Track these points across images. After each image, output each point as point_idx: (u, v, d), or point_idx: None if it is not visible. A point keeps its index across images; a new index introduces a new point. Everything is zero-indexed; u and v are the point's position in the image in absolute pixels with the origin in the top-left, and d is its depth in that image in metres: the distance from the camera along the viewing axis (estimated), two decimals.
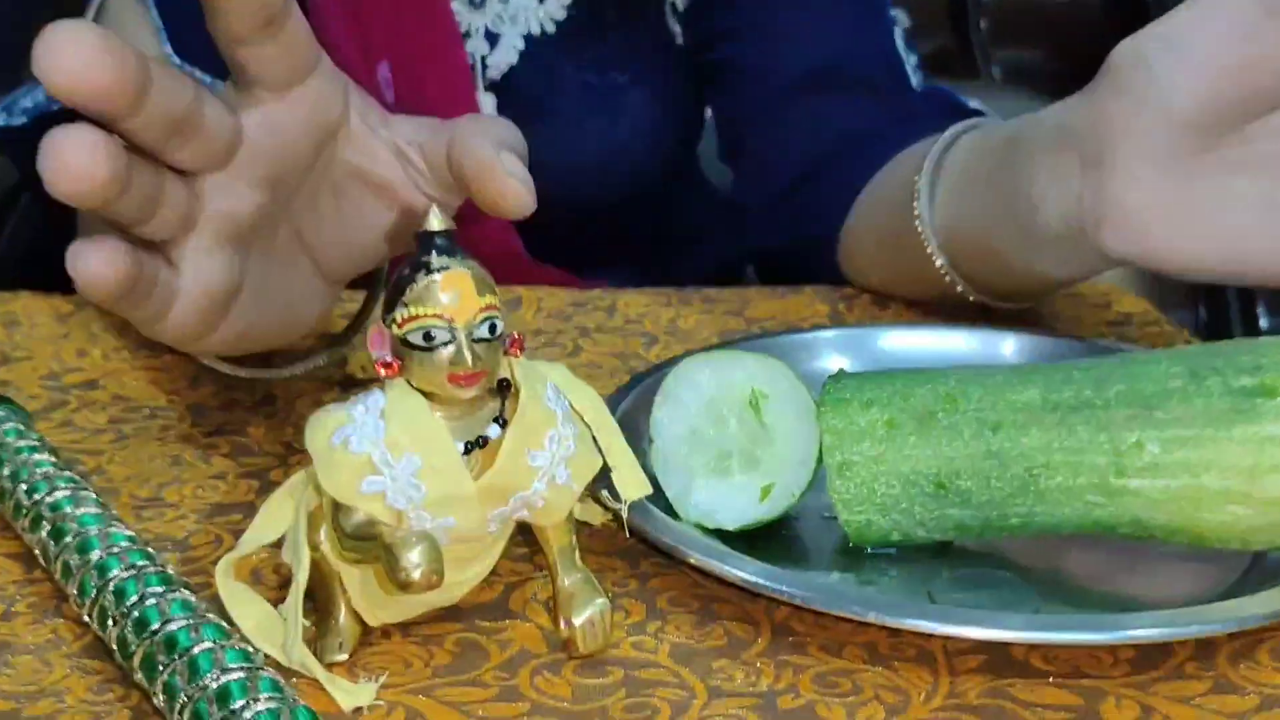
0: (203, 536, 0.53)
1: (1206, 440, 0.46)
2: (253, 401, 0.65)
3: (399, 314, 0.41)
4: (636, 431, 0.54)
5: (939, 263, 0.71)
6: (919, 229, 0.72)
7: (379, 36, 0.90)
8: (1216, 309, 1.23)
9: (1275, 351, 0.47)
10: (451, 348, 0.41)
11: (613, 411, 0.56)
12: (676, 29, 0.97)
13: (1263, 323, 1.20)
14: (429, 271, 0.41)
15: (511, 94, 0.93)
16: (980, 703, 0.43)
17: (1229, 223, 0.55)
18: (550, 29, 0.93)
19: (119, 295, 0.44)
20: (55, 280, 0.56)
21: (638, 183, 0.98)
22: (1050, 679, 0.44)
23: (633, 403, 0.57)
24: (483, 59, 0.93)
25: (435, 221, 0.42)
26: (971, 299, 0.73)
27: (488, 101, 0.93)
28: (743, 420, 0.52)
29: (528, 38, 0.93)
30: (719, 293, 0.82)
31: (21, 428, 0.55)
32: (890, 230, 0.77)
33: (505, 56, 0.93)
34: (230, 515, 0.55)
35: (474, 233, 0.94)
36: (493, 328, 0.41)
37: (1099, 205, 0.58)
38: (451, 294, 0.41)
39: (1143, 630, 0.44)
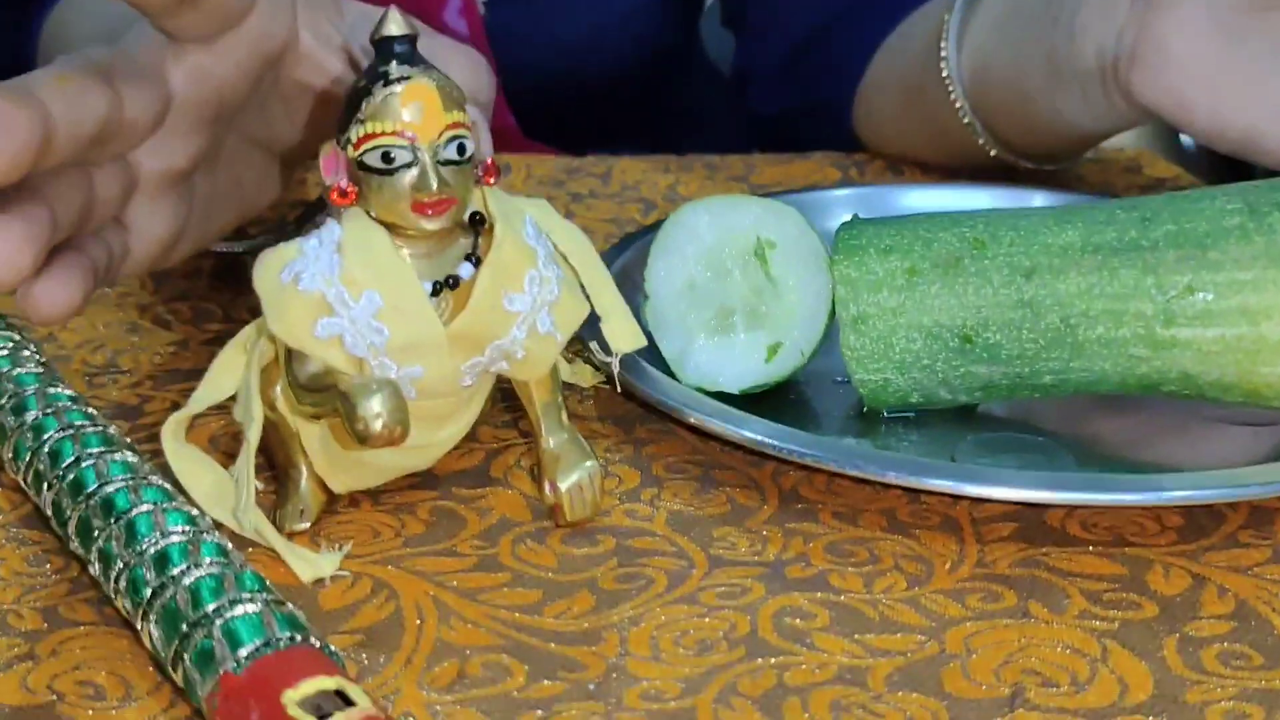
0: (158, 404, 0.49)
1: (1268, 283, 0.41)
2: (217, 269, 0.61)
3: (354, 132, 0.36)
4: (631, 287, 0.49)
5: (961, 109, 0.66)
6: (944, 73, 0.66)
7: None
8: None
9: None
10: (414, 170, 0.36)
11: (609, 265, 0.51)
12: None
13: None
14: (387, 83, 0.36)
15: None
16: (1012, 573, 0.38)
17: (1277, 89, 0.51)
18: None
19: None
20: None
21: (636, 56, 0.93)
22: (1090, 548, 0.40)
23: (629, 258, 0.53)
24: None
25: (393, 25, 0.36)
26: (993, 153, 0.67)
27: None
28: (747, 272, 0.48)
29: None
30: (722, 159, 0.77)
31: None
32: (913, 81, 0.72)
33: None
34: (189, 382, 0.49)
35: None
36: (461, 148, 0.36)
37: (1140, 43, 0.53)
38: (413, 108, 0.36)
39: (1193, 491, 0.39)
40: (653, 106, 0.99)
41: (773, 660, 0.35)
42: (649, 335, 0.47)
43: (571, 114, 0.93)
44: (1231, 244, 0.42)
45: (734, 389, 0.47)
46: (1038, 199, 0.60)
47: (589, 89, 0.92)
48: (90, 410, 0.42)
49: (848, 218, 0.53)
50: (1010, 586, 0.38)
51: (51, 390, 0.43)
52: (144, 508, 0.36)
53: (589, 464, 0.41)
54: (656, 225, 0.56)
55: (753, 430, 0.42)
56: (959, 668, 0.34)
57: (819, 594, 0.37)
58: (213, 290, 0.58)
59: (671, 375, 0.47)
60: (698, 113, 1.04)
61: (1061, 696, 0.33)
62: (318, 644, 0.32)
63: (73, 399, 0.43)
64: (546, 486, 0.41)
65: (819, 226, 0.49)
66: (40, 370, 0.44)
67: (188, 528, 0.36)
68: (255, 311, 0.38)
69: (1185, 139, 1.21)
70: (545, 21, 0.89)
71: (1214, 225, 0.43)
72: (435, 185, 0.36)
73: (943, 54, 0.66)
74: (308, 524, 0.40)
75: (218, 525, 0.38)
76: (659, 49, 0.95)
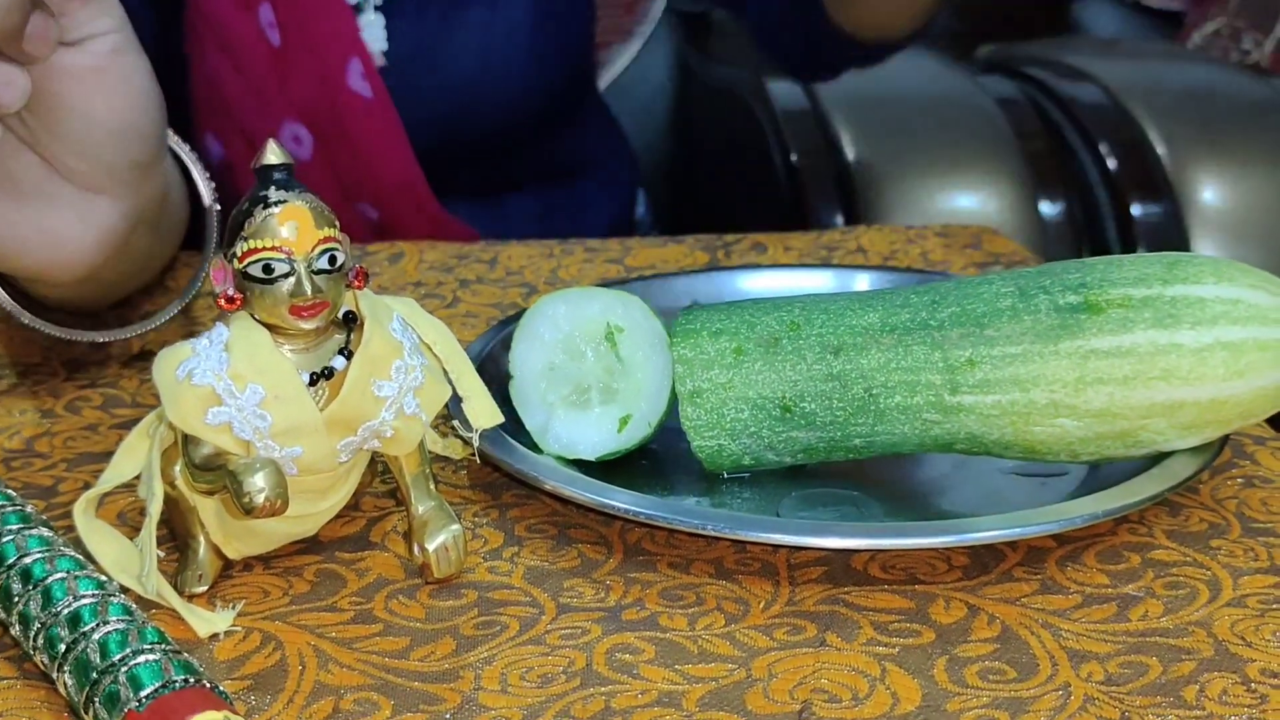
0: (72, 484, 0.54)
1: (1034, 355, 0.48)
2: (128, 356, 0.66)
3: (239, 248, 0.42)
4: (500, 369, 0.55)
5: None
6: None
7: None
8: (1086, 198, 1.27)
9: (1100, 270, 0.49)
10: (291, 280, 0.42)
11: (479, 351, 0.58)
12: None
13: (1135, 210, 1.23)
14: (266, 205, 0.42)
15: (397, 8, 0.93)
16: (817, 609, 0.45)
17: None
18: None
19: None
20: None
21: (529, 103, 0.98)
22: (886, 586, 0.46)
23: (499, 342, 0.59)
24: None
25: (272, 155, 0.42)
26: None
27: (377, 21, 0.94)
28: (599, 353, 0.54)
29: None
30: (601, 243, 0.83)
31: None
32: None
33: None
34: (100, 464, 0.55)
35: (376, 169, 0.94)
36: (333, 259, 0.43)
37: None
38: (290, 226, 0.42)
39: (969, 535, 0.46)
40: (551, 150, 1.05)
41: (603, 689, 0.41)
42: (514, 411, 0.54)
43: (474, 163, 0.99)
44: (1004, 323, 0.49)
45: (591, 457, 0.53)
46: (863, 279, 0.67)
47: (489, 137, 0.98)
48: (9, 492, 0.47)
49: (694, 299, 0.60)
50: (813, 621, 0.44)
51: None
52: (58, 575, 0.42)
53: (454, 527, 0.47)
54: (521, 313, 0.63)
55: (599, 494, 0.48)
56: (761, 690, 0.41)
57: (648, 632, 0.44)
58: (121, 378, 0.63)
59: (536, 447, 0.53)
60: (595, 155, 1.10)
61: (842, 709, 0.40)
62: (210, 685, 0.37)
63: None
64: (416, 548, 0.46)
65: (668, 306, 0.55)
66: None
67: (97, 591, 0.41)
68: (158, 398, 0.43)
69: (1045, 207, 1.30)
70: (442, 74, 0.95)
71: (990, 306, 0.50)
72: (310, 292, 0.42)
73: None
74: (205, 587, 0.46)
75: (124, 589, 0.44)
76: (553, 94, 1.01)
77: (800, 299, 0.53)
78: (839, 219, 1.28)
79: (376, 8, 0.94)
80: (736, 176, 1.45)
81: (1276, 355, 0.48)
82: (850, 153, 1.30)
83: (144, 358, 0.66)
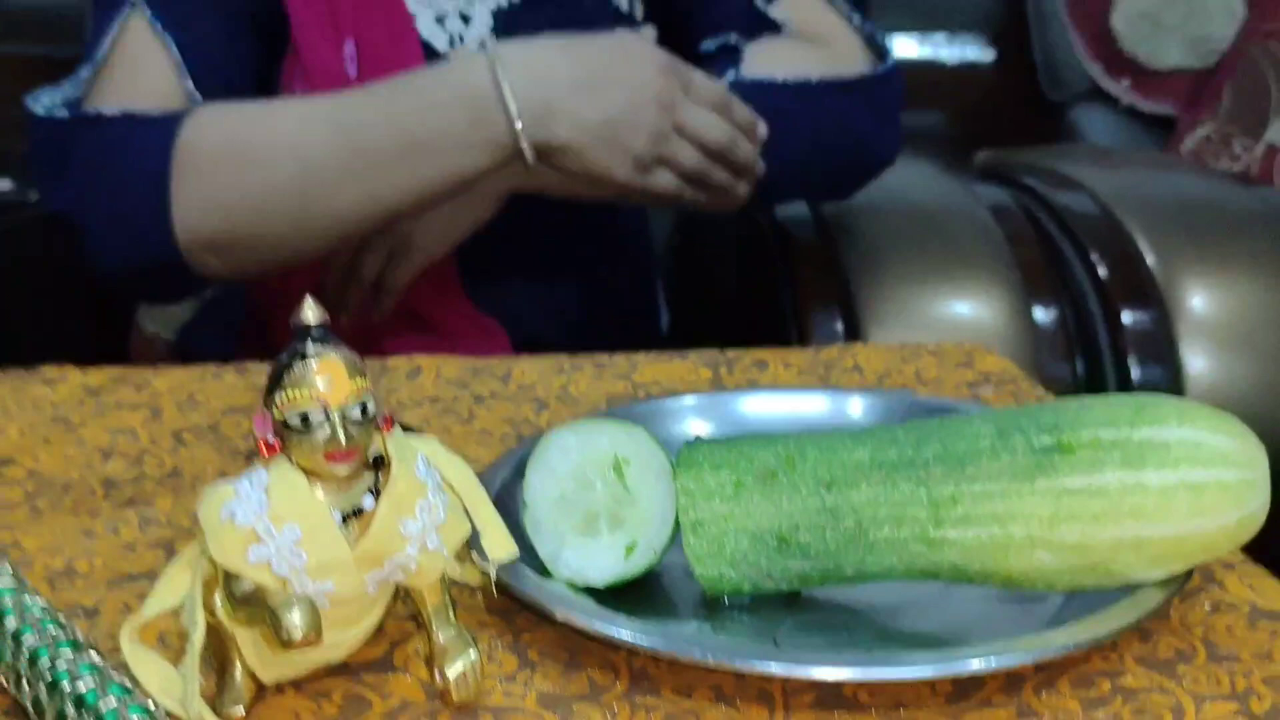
0: (113, 605, 0.58)
1: (1011, 493, 0.52)
2: (161, 475, 0.70)
3: (278, 399, 0.46)
4: (514, 496, 0.59)
5: None
6: None
7: (345, 18, 1.03)
8: (1091, 361, 1.31)
9: (1072, 413, 0.53)
10: (326, 428, 0.46)
11: (494, 479, 0.61)
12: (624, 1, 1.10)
13: (1135, 373, 1.28)
14: (304, 359, 0.46)
15: None
16: None
17: None
18: (516, 1, 1.06)
19: None
20: None
21: None
22: (872, 710, 0.49)
23: (512, 471, 0.62)
24: (460, 35, 1.05)
25: (310, 314, 0.47)
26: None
27: None
28: (607, 483, 0.58)
29: (495, 13, 1.06)
30: (609, 359, 0.87)
31: None
32: None
33: (478, 31, 1.06)
34: (138, 584, 0.59)
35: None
36: (364, 409, 0.46)
37: None
38: (325, 379, 0.46)
39: (951, 665, 0.49)
40: (584, 226, 1.13)
41: None
42: (528, 538, 0.57)
43: (514, 232, 1.06)
44: (984, 462, 0.53)
45: (600, 583, 0.57)
46: (856, 401, 0.70)
47: (541, 206, 1.05)
48: (60, 619, 0.51)
49: (696, 424, 0.64)
50: None
51: (27, 600, 0.52)
52: (109, 701, 0.45)
53: (472, 653, 0.50)
54: (534, 440, 0.67)
55: (606, 624, 0.52)
56: None
57: None
58: (156, 497, 0.67)
59: (548, 573, 0.57)
60: (621, 234, 1.18)
61: None
62: None
63: (44, 609, 0.52)
64: (437, 674, 0.50)
65: (673, 430, 0.59)
66: (14, 583, 0.53)
67: (144, 716, 0.45)
68: (194, 517, 0.47)
69: (1039, 313, 1.35)
70: None
71: (971, 446, 0.53)
72: (344, 440, 0.46)
73: None
74: (242, 710, 0.49)
75: (168, 713, 0.47)
76: None
77: (794, 435, 0.57)
78: (838, 324, 1.32)
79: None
80: (739, 272, 1.50)
81: (1237, 495, 0.51)
82: (849, 257, 1.34)
83: (175, 475, 0.70)
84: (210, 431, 0.76)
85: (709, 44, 1.09)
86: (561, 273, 1.14)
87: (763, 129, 0.99)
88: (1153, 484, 0.51)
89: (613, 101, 0.92)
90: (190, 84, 0.97)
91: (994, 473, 0.53)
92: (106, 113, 0.94)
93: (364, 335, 1.04)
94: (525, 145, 0.91)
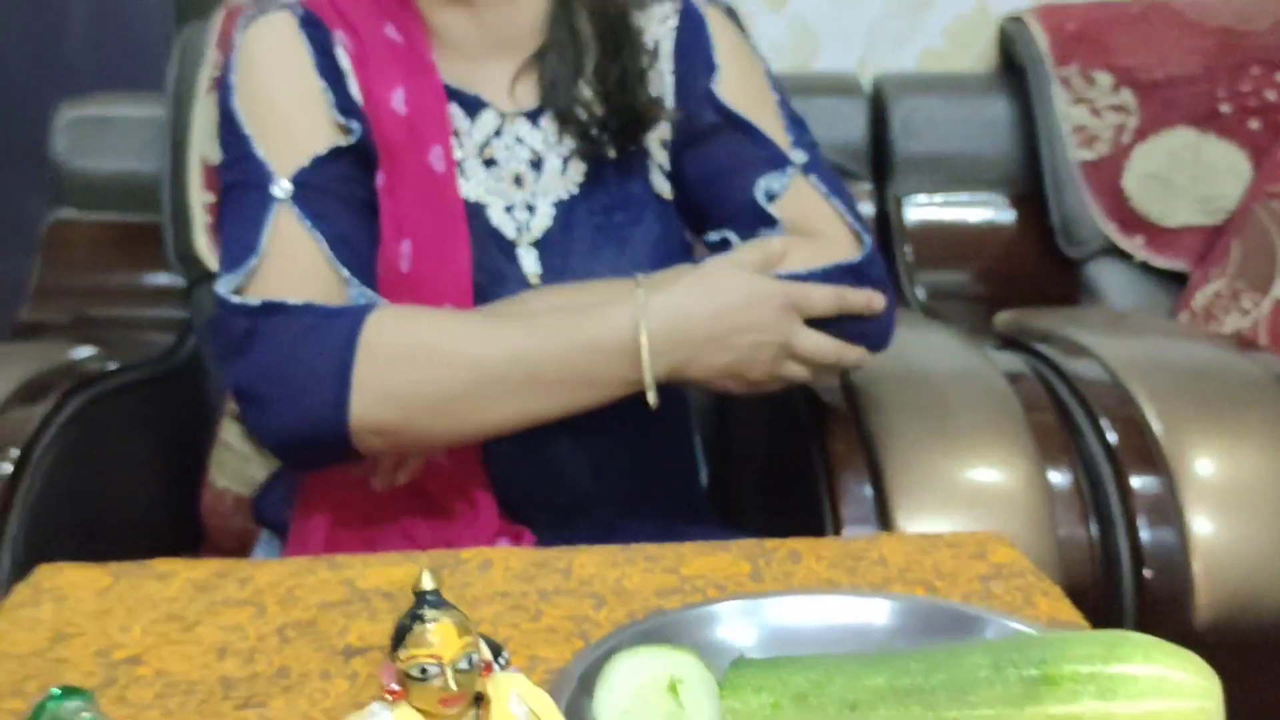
0: None
1: (1005, 718, 0.62)
2: (272, 673, 0.80)
3: (401, 653, 0.57)
4: (583, 711, 0.69)
5: None
6: None
7: (407, 219, 1.15)
8: (1105, 523, 1.40)
9: (1056, 648, 0.63)
10: (440, 679, 0.56)
11: (565, 693, 0.72)
12: (665, 187, 1.23)
13: (1144, 535, 1.37)
14: (423, 621, 0.57)
15: (548, 248, 1.18)
16: None
17: None
18: (575, 191, 1.20)
19: None
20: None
21: None
22: None
23: (579, 687, 0.73)
24: (527, 223, 1.18)
25: (426, 582, 0.57)
26: None
27: (529, 255, 1.18)
28: (664, 700, 0.68)
29: (557, 204, 1.19)
30: (659, 550, 0.97)
31: (97, 715, 0.70)
32: None
33: (542, 221, 1.19)
34: None
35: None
36: (471, 660, 0.57)
37: None
38: (440, 639, 0.56)
39: None
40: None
41: None
42: None
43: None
44: (981, 689, 0.63)
45: None
46: (883, 605, 0.80)
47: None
48: None
49: (735, 626, 0.74)
50: None
51: None
52: None
53: None
54: (595, 647, 0.77)
55: None
56: None
57: None
58: (270, 696, 0.77)
59: None
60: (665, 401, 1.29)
61: None
62: None
63: None
64: None
65: (715, 636, 0.70)
66: None
67: None
68: (305, 716, 0.57)
69: (1054, 476, 1.44)
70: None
71: (970, 675, 0.64)
72: (455, 689, 0.56)
73: None
74: None
75: None
76: None
77: (822, 659, 0.67)
78: (867, 489, 1.42)
79: (530, 244, 1.18)
80: (769, 433, 1.61)
81: None
82: (876, 426, 1.45)
83: (284, 675, 0.80)
84: (310, 628, 0.86)
85: (713, 236, 1.21)
86: (607, 431, 1.24)
87: (878, 300, 1.15)
88: (1122, 713, 0.61)
89: (738, 349, 1.09)
90: (345, 270, 1.09)
91: (990, 699, 0.63)
92: (290, 302, 1.06)
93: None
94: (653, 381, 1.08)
